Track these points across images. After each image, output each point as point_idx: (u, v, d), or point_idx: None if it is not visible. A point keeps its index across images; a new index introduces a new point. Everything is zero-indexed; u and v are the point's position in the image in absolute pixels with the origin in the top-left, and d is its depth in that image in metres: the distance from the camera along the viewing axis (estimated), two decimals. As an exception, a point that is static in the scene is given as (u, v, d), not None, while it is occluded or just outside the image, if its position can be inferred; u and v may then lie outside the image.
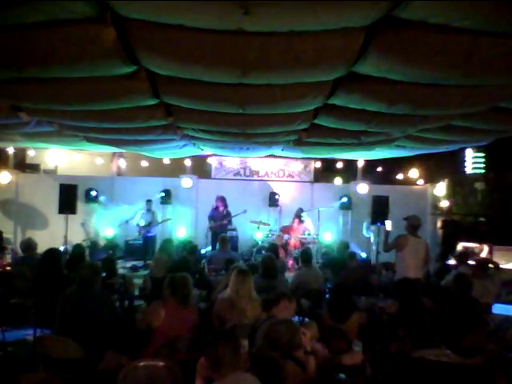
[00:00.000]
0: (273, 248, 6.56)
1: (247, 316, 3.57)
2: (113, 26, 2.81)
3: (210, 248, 8.87)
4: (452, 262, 6.67)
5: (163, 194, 10.14)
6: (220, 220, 8.96)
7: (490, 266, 5.62)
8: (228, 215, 9.05)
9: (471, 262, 5.90)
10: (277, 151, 8.35)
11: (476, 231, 9.38)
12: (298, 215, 9.32)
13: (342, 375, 3.03)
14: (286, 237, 9.22)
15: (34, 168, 11.57)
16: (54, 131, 6.17)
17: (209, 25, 2.82)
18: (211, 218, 9.06)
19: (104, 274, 4.92)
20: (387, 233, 5.90)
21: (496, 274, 5.40)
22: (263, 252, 7.87)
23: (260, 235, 9.62)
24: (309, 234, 9.31)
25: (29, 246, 5.80)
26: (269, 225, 9.81)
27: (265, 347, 2.47)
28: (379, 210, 8.19)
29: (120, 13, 2.70)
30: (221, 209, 9.00)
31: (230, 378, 2.16)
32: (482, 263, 5.52)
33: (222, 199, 9.05)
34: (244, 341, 2.77)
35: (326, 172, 13.03)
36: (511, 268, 7.30)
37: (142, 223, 9.31)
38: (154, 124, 5.48)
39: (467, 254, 6.51)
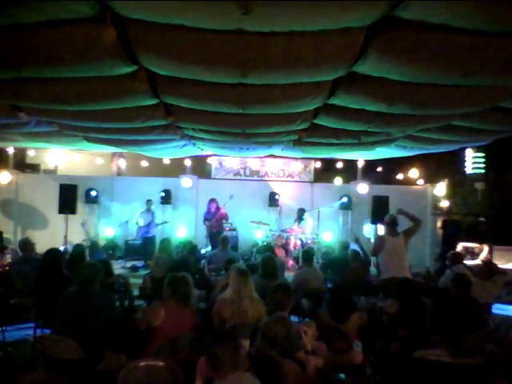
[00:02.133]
0: (268, 249, 6.56)
1: (249, 316, 3.57)
2: (113, 26, 2.81)
3: (209, 248, 8.88)
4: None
5: (163, 194, 10.14)
6: (214, 216, 8.99)
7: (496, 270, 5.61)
8: (219, 209, 9.09)
9: (476, 262, 5.91)
10: (277, 151, 8.35)
11: (476, 231, 9.37)
12: (300, 216, 9.30)
13: (342, 375, 3.03)
14: (285, 236, 9.21)
15: (34, 168, 11.56)
16: (53, 131, 6.17)
17: (209, 25, 2.82)
18: (206, 219, 9.12)
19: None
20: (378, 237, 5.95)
21: (500, 277, 5.39)
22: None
23: (260, 235, 9.62)
24: (305, 238, 9.25)
25: (26, 245, 5.80)
26: (269, 225, 9.81)
27: (263, 346, 2.47)
28: (379, 210, 8.19)
29: (120, 13, 2.70)
30: (213, 209, 9.05)
31: (230, 378, 2.16)
32: (491, 269, 5.50)
33: (214, 200, 9.12)
34: (245, 341, 2.78)
35: (326, 172, 13.02)
36: (511, 268, 7.30)
37: (142, 223, 9.31)
38: (154, 124, 5.48)
39: (460, 254, 6.51)
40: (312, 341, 2.86)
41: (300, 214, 9.30)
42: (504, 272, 5.83)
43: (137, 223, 9.36)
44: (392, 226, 5.49)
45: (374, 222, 8.36)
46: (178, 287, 3.55)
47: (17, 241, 9.11)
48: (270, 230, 9.68)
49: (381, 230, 7.18)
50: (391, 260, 5.34)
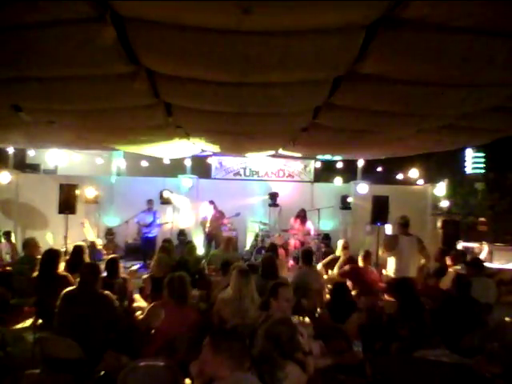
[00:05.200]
0: (271, 248, 6.56)
1: (249, 316, 3.57)
2: (113, 25, 2.81)
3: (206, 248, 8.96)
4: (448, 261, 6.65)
5: (171, 192, 10.14)
6: (213, 221, 9.06)
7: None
8: (221, 215, 9.14)
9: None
10: (277, 151, 8.35)
11: (476, 231, 9.38)
12: (300, 215, 9.30)
13: (342, 375, 3.03)
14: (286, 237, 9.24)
15: (34, 168, 11.54)
16: (53, 131, 6.16)
17: (209, 25, 2.82)
18: (203, 222, 9.17)
19: (106, 274, 4.92)
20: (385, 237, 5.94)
21: (496, 275, 5.41)
22: (263, 252, 7.88)
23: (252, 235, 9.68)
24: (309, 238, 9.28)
25: (29, 245, 5.83)
26: (268, 224, 9.82)
27: (265, 347, 2.47)
28: (379, 209, 8.19)
29: (120, 13, 2.70)
30: (213, 212, 9.09)
31: (231, 378, 2.15)
32: (476, 261, 5.53)
33: (211, 203, 9.16)
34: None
35: (326, 172, 13.03)
36: (511, 268, 7.30)
37: (142, 223, 9.33)
38: (153, 123, 5.48)
39: (461, 254, 6.52)
40: (309, 341, 2.87)
41: (300, 214, 9.29)
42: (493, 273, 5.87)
43: (137, 222, 9.37)
44: (406, 226, 5.49)
45: (374, 222, 8.36)
46: (175, 287, 3.56)
47: (17, 240, 9.13)
48: (262, 229, 9.70)
49: (388, 230, 7.15)
50: (404, 260, 5.32)
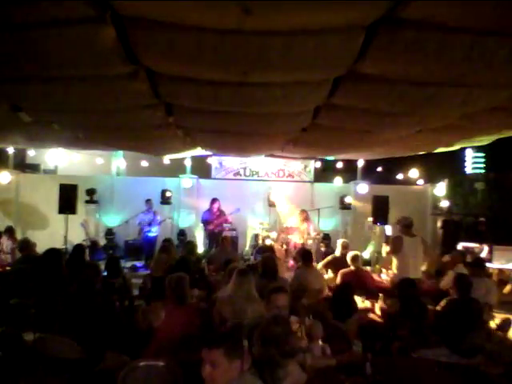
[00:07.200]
0: (268, 249, 6.57)
1: (248, 316, 3.57)
2: (113, 25, 2.81)
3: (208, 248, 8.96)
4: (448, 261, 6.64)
5: (169, 194, 10.14)
6: (216, 220, 9.06)
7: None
8: (222, 214, 9.14)
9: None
10: (277, 151, 8.36)
11: (476, 231, 9.38)
12: (302, 216, 9.28)
13: (342, 375, 3.03)
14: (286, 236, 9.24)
15: (34, 168, 11.55)
16: (53, 131, 6.16)
17: (209, 25, 2.82)
18: (205, 221, 9.16)
19: (106, 273, 4.93)
20: (387, 238, 5.94)
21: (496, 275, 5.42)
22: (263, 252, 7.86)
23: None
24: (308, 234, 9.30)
25: (26, 245, 5.85)
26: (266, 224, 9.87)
27: (264, 347, 2.47)
28: (379, 210, 8.20)
29: (120, 13, 2.70)
30: (215, 210, 9.08)
31: (239, 379, 2.15)
32: (478, 261, 5.54)
33: (216, 201, 9.16)
34: (244, 341, 2.77)
35: (325, 172, 13.03)
36: (511, 268, 7.31)
37: (144, 223, 9.33)
38: (153, 123, 5.48)
39: (462, 254, 6.53)
40: (315, 342, 2.87)
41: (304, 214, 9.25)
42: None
43: (139, 223, 9.37)
44: (410, 227, 5.50)
45: (375, 222, 8.37)
46: (174, 287, 3.57)
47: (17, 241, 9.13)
48: (262, 229, 9.72)
49: (388, 230, 7.12)
50: (409, 261, 5.33)
